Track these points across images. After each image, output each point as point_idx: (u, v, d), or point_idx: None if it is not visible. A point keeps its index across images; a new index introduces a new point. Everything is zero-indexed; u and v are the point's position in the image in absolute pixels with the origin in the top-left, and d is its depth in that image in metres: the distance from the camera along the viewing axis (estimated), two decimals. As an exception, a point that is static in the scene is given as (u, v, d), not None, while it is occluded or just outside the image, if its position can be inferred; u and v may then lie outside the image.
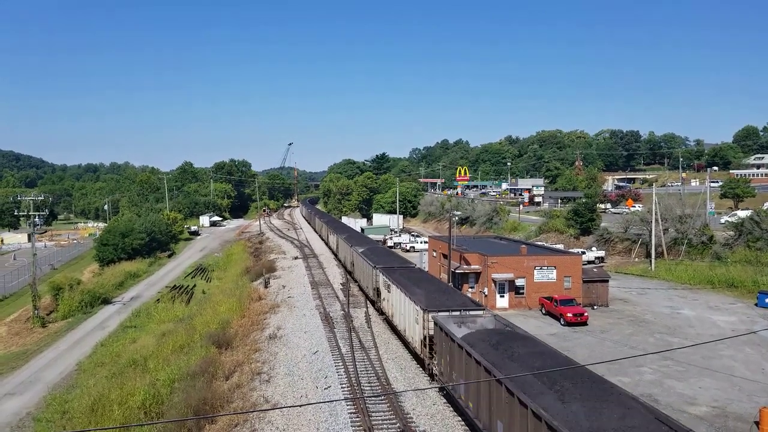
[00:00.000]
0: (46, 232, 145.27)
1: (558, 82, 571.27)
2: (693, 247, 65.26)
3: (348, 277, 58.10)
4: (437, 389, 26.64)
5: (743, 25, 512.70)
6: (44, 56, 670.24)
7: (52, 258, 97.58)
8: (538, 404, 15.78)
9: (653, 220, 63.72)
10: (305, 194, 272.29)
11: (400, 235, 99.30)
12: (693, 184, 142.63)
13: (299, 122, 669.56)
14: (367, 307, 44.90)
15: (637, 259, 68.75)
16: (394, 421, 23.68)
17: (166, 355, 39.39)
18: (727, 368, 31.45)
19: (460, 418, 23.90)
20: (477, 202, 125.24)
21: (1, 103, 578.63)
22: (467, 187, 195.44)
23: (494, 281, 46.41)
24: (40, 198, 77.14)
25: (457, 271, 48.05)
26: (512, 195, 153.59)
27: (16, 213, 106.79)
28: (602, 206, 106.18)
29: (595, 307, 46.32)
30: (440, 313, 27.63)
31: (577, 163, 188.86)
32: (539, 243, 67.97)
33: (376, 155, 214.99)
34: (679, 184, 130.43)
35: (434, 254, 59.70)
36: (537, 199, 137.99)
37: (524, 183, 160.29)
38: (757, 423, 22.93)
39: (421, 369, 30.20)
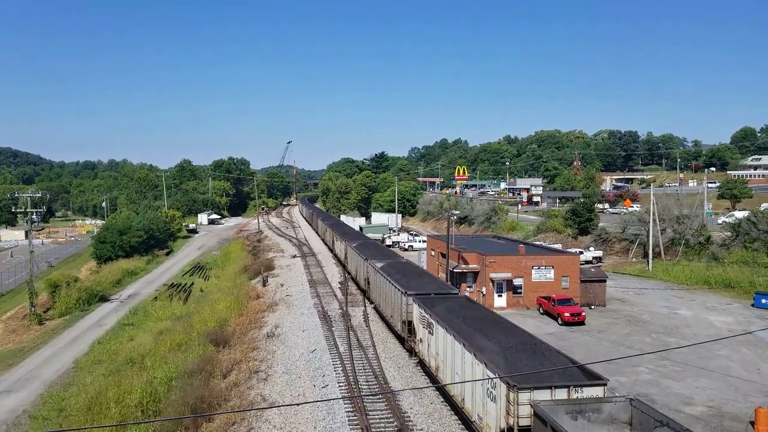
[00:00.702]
0: (43, 229, 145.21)
1: (557, 82, 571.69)
2: (690, 247, 65.44)
3: (346, 275, 57.97)
4: (435, 388, 26.67)
5: (743, 26, 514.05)
6: (43, 54, 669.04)
7: (49, 255, 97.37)
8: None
9: (651, 221, 63.85)
10: (304, 192, 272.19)
11: (398, 234, 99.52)
12: (691, 184, 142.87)
13: (298, 121, 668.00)
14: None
15: (634, 259, 68.89)
16: (391, 419, 23.72)
17: (164, 353, 39.36)
18: (724, 368, 31.55)
19: (457, 417, 23.95)
20: (475, 201, 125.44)
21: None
22: (466, 186, 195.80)
23: (492, 281, 46.46)
24: (37, 195, 77.15)
25: (455, 271, 48.12)
26: (511, 194, 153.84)
27: (13, 210, 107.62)
28: (600, 206, 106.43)
29: (593, 306, 46.38)
30: (537, 391, 18.11)
31: (575, 163, 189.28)
32: (537, 243, 68.10)
33: (375, 154, 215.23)
34: (677, 184, 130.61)
35: (432, 253, 59.82)
36: (535, 199, 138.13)
37: (523, 183, 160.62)
38: (752, 423, 23.03)
39: (420, 369, 30.23)
